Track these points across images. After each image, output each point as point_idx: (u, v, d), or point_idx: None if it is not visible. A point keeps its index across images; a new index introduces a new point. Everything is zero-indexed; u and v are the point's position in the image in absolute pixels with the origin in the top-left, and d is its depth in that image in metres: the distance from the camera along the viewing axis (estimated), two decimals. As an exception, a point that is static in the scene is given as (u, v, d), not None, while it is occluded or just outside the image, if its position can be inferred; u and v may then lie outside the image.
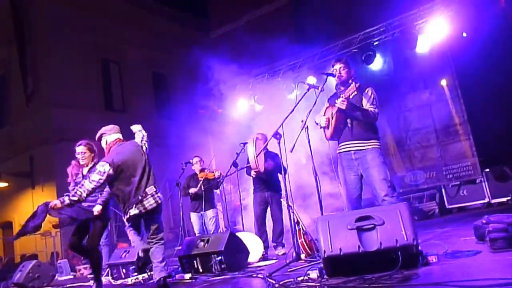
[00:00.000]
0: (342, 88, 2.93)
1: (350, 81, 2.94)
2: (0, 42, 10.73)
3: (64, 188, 3.84)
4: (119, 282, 3.93)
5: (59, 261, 6.45)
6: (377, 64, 7.12)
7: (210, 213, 4.87)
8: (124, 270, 4.05)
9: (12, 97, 10.58)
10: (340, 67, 2.97)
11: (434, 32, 6.44)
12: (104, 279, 4.16)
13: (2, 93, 11.16)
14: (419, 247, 2.22)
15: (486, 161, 6.75)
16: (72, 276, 5.94)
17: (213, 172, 4.87)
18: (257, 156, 3.69)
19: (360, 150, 2.90)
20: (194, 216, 4.95)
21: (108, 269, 4.36)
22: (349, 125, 2.92)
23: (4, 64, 10.83)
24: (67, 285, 4.74)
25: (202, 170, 4.95)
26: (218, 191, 5.10)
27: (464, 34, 6.15)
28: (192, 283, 3.13)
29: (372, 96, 2.92)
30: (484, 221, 2.61)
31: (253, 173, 4.23)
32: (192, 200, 4.99)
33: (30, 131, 9.98)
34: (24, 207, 10.04)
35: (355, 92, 2.79)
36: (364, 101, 2.92)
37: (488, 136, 6.74)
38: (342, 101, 2.76)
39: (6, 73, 10.94)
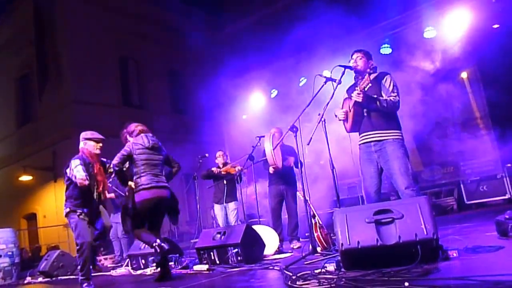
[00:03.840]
0: (360, 78, 2.83)
1: (368, 70, 2.85)
2: (24, 42, 11.14)
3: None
4: (138, 272, 4.06)
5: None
6: (393, 55, 6.96)
7: (232, 205, 4.98)
8: (143, 261, 4.18)
9: (36, 95, 10.98)
10: (357, 57, 2.91)
11: (456, 24, 6.23)
12: (124, 269, 4.33)
13: (26, 91, 11.61)
14: (439, 242, 2.20)
15: (507, 156, 6.53)
16: (93, 266, 6.15)
17: (234, 167, 4.96)
18: (273, 149, 3.70)
19: (380, 141, 2.79)
20: (217, 208, 5.07)
21: (128, 260, 4.52)
22: (367, 115, 2.83)
23: (28, 63, 11.23)
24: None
25: (225, 164, 5.04)
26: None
27: (496, 26, 5.90)
28: (210, 274, 3.20)
29: (391, 84, 2.81)
30: (507, 216, 2.55)
31: (271, 169, 4.26)
32: (215, 192, 5.10)
33: (52, 127, 10.35)
34: (46, 200, 10.47)
35: (370, 84, 2.72)
36: (383, 91, 2.82)
37: (510, 130, 6.50)
38: (358, 93, 2.69)
39: (30, 72, 11.35)
